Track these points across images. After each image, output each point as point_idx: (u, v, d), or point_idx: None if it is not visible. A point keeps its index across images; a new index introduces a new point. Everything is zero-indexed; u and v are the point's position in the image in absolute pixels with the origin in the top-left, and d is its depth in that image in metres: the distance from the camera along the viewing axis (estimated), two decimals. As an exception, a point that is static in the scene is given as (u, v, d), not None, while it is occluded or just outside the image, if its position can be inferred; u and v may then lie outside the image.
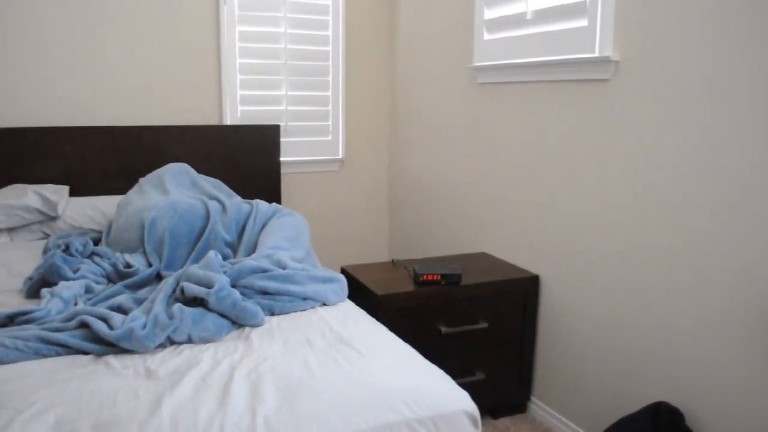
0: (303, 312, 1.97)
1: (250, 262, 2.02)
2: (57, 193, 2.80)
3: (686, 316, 1.90)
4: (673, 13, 1.87)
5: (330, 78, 3.56)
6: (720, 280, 1.79)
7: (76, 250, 2.28)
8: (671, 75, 1.89)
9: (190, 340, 1.71)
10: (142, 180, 2.73)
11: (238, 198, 2.64)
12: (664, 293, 1.97)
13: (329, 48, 3.53)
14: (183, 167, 2.80)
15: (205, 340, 1.72)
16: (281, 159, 3.48)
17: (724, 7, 1.72)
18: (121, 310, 1.82)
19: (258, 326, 1.83)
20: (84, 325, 1.68)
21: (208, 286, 1.83)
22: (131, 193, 2.65)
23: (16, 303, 1.98)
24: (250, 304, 1.84)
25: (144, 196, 2.57)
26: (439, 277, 2.36)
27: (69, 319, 1.72)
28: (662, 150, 1.94)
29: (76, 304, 1.89)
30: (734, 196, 1.73)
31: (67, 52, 3.02)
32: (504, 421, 2.55)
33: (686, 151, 1.86)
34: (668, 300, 1.96)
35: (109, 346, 1.63)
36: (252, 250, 2.32)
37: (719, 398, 1.81)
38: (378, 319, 2.11)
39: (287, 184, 3.59)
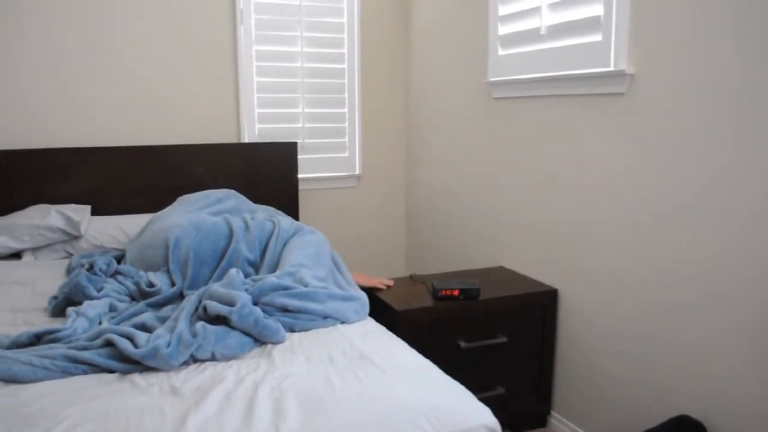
0: (324, 329, 1.98)
1: (272, 279, 2.04)
2: (79, 212, 2.85)
3: (707, 329, 1.89)
4: (687, 27, 1.88)
5: (346, 95, 3.60)
6: (740, 292, 1.78)
7: (100, 269, 2.31)
8: (687, 88, 1.90)
9: (213, 358, 1.73)
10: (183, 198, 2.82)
11: (261, 214, 2.67)
12: (684, 305, 1.96)
13: (345, 65, 3.57)
14: (232, 192, 2.90)
15: (228, 358, 1.74)
16: (299, 176, 3.52)
17: (740, 20, 1.73)
18: (145, 328, 1.85)
19: (280, 343, 1.85)
20: (109, 343, 1.70)
21: (231, 304, 1.85)
22: (167, 209, 2.73)
23: (41, 322, 2.02)
24: (272, 322, 1.86)
25: (172, 213, 2.63)
26: (457, 292, 2.36)
27: (94, 338, 1.74)
28: (678, 163, 1.94)
29: (100, 323, 1.91)
30: (752, 209, 1.73)
31: (88, 75, 3.09)
32: (525, 436, 2.55)
33: (703, 165, 1.86)
34: (688, 312, 1.95)
35: (134, 364, 1.65)
36: (274, 268, 2.32)
37: (742, 411, 1.80)
38: (397, 335, 2.11)
39: (305, 201, 3.62)
